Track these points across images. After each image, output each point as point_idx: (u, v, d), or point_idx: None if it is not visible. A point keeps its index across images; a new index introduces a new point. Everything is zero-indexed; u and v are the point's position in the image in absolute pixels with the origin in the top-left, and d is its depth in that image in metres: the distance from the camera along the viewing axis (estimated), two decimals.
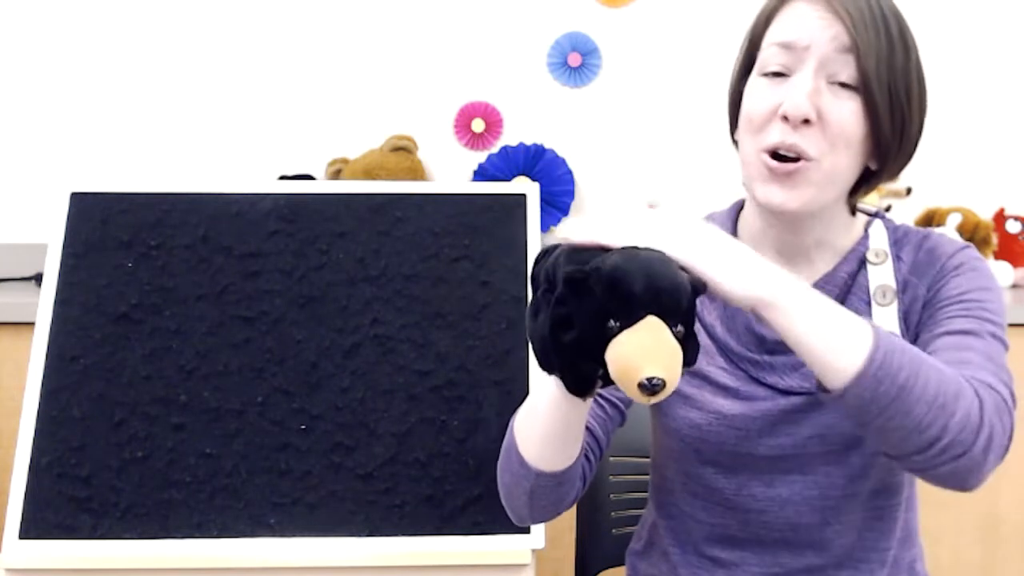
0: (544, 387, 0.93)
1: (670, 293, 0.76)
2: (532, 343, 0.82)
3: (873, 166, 0.99)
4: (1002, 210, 2.37)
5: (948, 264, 1.01)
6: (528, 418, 0.96)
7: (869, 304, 1.02)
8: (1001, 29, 2.40)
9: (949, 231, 2.21)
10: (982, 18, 2.39)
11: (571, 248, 0.81)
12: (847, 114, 0.93)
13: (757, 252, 1.04)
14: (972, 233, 2.23)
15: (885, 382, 0.81)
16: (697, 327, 1.06)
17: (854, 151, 0.96)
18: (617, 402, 1.07)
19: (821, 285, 1.03)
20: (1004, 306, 0.99)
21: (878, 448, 0.87)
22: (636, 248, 0.80)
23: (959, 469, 0.84)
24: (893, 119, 0.95)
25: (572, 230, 0.82)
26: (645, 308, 0.75)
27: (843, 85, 0.94)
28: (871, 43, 0.93)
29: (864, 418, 0.83)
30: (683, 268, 0.80)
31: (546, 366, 0.81)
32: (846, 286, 1.03)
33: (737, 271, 0.82)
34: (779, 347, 1.02)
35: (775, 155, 0.95)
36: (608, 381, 0.78)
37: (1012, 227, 2.33)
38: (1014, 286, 2.27)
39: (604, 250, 0.80)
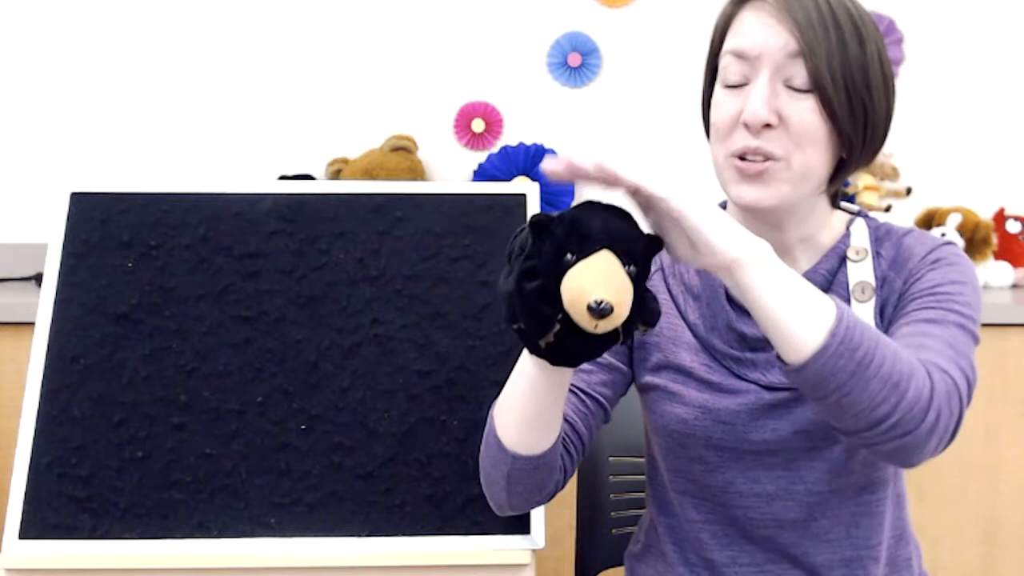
0: (521, 370, 0.95)
1: (624, 233, 0.82)
2: (500, 299, 0.87)
3: (845, 155, 1.00)
4: (1002, 210, 2.37)
5: (926, 258, 1.02)
6: (506, 402, 0.98)
7: (848, 300, 1.03)
8: (1001, 29, 2.40)
9: (949, 231, 2.21)
10: (982, 18, 2.39)
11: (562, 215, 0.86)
12: (806, 113, 0.95)
13: None
14: (972, 233, 2.23)
15: (844, 356, 0.82)
16: (680, 325, 1.08)
17: (821, 147, 0.97)
18: (598, 396, 1.09)
19: None
20: (978, 300, 1.00)
21: (831, 423, 0.89)
22: (600, 202, 0.85)
23: (903, 447, 0.85)
24: (853, 113, 0.96)
25: (556, 160, 0.84)
26: (599, 242, 0.80)
27: (798, 90, 0.95)
28: (820, 45, 0.94)
29: (821, 392, 0.84)
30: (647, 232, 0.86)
31: (509, 317, 0.85)
32: (826, 282, 1.04)
33: (722, 227, 0.84)
34: (760, 344, 1.04)
35: (743, 158, 0.98)
36: (568, 331, 0.81)
37: (1012, 227, 2.33)
38: (1014, 286, 2.27)
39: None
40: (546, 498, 1.03)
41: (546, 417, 0.95)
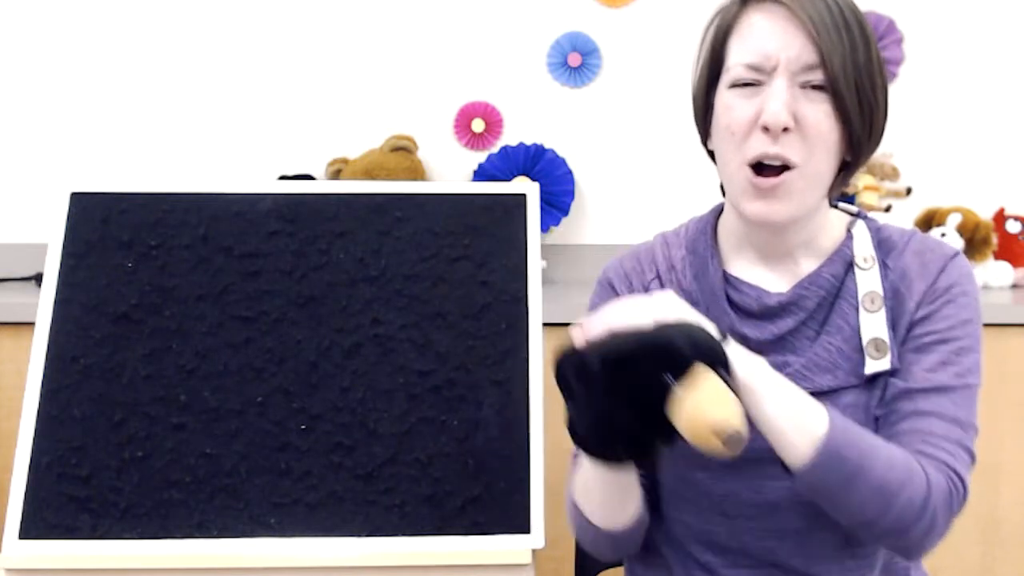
0: (590, 466, 0.99)
1: (708, 340, 0.82)
2: (588, 443, 0.86)
3: (848, 158, 1.01)
4: (1002, 210, 2.37)
5: (939, 283, 1.02)
6: (584, 491, 1.05)
7: (858, 310, 1.03)
8: (1001, 29, 2.40)
9: (949, 231, 2.21)
10: (982, 18, 2.39)
11: (597, 344, 0.84)
12: (822, 116, 0.96)
13: (740, 254, 1.08)
14: (972, 233, 2.23)
15: (832, 473, 0.89)
16: None
17: (831, 151, 0.98)
18: None
19: (805, 286, 1.04)
20: (980, 323, 1.03)
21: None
22: (664, 318, 0.84)
23: (899, 546, 0.94)
24: (863, 114, 0.97)
25: (586, 327, 0.87)
26: (693, 357, 0.79)
27: (814, 87, 0.96)
28: (835, 49, 0.94)
29: (814, 497, 0.93)
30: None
31: (613, 457, 0.86)
32: (833, 289, 1.04)
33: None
34: (764, 348, 1.04)
35: (757, 167, 0.98)
36: (667, 444, 0.82)
37: (1012, 227, 2.32)
38: (1014, 286, 2.27)
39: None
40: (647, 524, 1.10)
41: (628, 495, 1.02)
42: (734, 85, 0.99)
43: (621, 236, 2.43)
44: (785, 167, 0.97)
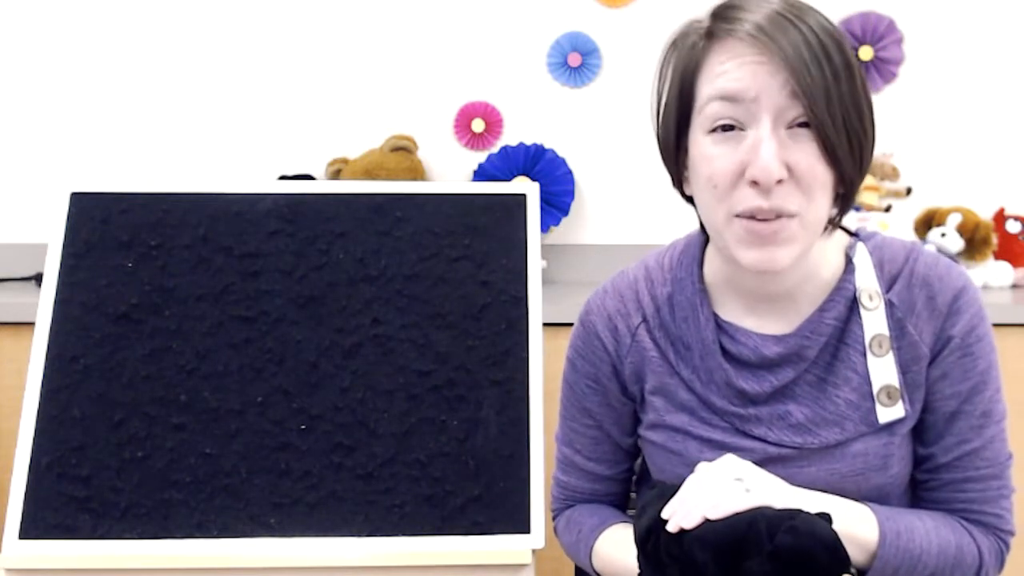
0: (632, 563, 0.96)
1: (836, 540, 0.82)
2: None
3: (841, 190, 0.93)
4: (1002, 210, 2.37)
5: (952, 329, 0.98)
6: (610, 569, 1.07)
7: (864, 355, 0.98)
8: (1001, 29, 2.40)
9: (949, 231, 2.21)
10: (982, 18, 2.39)
11: (703, 533, 0.85)
12: (813, 160, 0.88)
13: (731, 296, 1.03)
14: (972, 233, 2.23)
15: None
16: (673, 382, 1.04)
17: (827, 191, 0.90)
18: (629, 476, 1.17)
19: (806, 334, 0.98)
20: (996, 354, 1.01)
21: None
22: (776, 512, 0.85)
23: None
24: (852, 148, 0.89)
25: (679, 518, 0.86)
26: (838, 571, 0.82)
27: (801, 125, 0.88)
28: (818, 83, 0.85)
29: None
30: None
31: None
32: (836, 333, 0.98)
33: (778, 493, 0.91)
34: (762, 398, 0.99)
35: (750, 216, 0.90)
36: None
37: (1012, 227, 2.32)
38: (1014, 286, 2.27)
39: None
40: None
41: None
42: (712, 130, 0.90)
43: (621, 236, 2.43)
44: (782, 215, 0.89)
